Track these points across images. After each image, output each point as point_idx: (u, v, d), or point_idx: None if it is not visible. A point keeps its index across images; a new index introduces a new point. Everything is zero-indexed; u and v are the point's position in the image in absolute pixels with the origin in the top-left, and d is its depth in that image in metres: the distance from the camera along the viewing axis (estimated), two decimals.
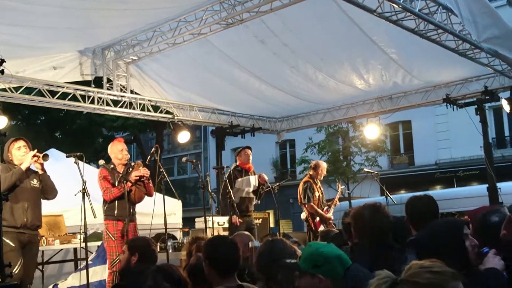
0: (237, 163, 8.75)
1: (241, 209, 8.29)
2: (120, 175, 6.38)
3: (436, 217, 3.81)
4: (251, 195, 8.53)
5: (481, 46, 6.83)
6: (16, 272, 5.44)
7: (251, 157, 8.67)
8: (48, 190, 6.10)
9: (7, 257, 5.33)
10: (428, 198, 3.98)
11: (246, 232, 4.58)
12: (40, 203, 6.04)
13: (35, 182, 6.00)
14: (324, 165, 9.22)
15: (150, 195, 6.70)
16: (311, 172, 9.09)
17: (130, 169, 6.55)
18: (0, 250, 3.18)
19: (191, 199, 32.90)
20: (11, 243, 5.55)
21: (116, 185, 6.40)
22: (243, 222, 8.24)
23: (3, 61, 3.30)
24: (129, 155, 6.79)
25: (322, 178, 9.20)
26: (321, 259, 2.74)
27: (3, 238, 5.28)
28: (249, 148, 8.84)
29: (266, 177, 8.79)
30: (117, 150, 6.63)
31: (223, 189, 8.57)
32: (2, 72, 3.33)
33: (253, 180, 8.58)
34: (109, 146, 6.83)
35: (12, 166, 5.78)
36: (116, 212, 6.38)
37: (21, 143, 5.96)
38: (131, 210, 6.51)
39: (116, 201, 6.37)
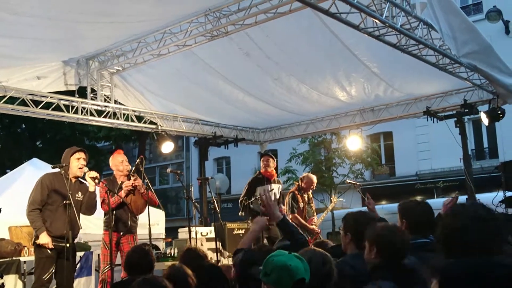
0: (260, 171, 8.82)
1: None
2: (118, 186, 6.56)
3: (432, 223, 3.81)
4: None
5: (461, 61, 6.99)
6: (46, 278, 5.81)
7: (271, 164, 8.67)
8: (88, 207, 6.32)
9: (43, 263, 5.84)
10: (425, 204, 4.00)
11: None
12: (79, 215, 6.17)
13: (79, 195, 6.22)
14: (310, 177, 9.03)
15: (152, 203, 6.85)
16: (299, 183, 8.95)
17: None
18: None
19: (173, 209, 32.74)
20: (48, 250, 5.87)
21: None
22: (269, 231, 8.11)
23: None
24: (129, 166, 6.90)
25: (310, 191, 9.07)
26: (270, 267, 2.74)
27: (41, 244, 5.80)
28: (268, 155, 8.88)
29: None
30: (118, 162, 6.84)
31: (243, 195, 8.54)
32: None
33: (275, 188, 8.61)
34: (110, 159, 7.06)
35: (62, 176, 5.93)
36: (113, 223, 6.46)
37: (81, 155, 6.20)
38: (130, 222, 6.65)
39: (114, 214, 6.50)
